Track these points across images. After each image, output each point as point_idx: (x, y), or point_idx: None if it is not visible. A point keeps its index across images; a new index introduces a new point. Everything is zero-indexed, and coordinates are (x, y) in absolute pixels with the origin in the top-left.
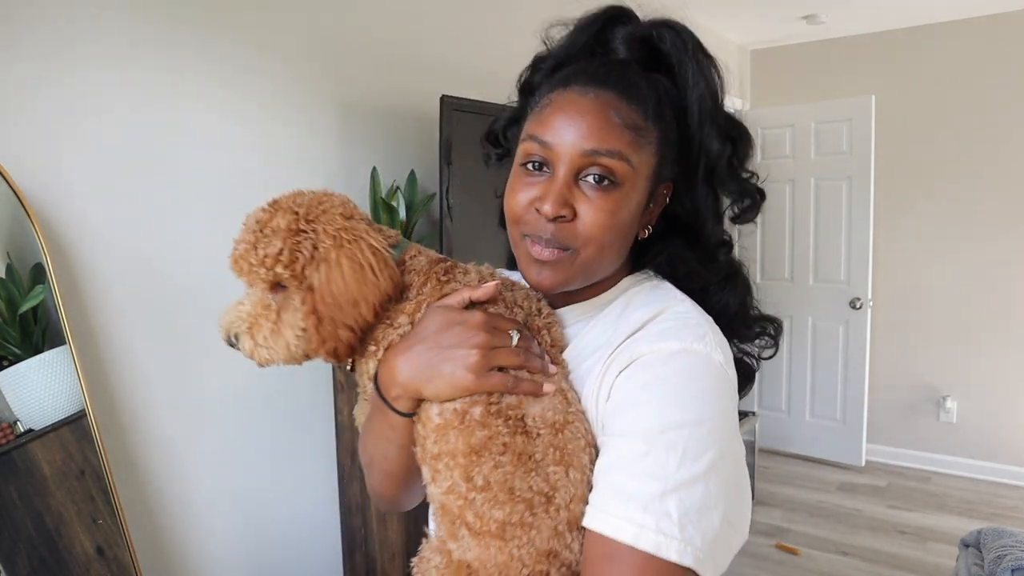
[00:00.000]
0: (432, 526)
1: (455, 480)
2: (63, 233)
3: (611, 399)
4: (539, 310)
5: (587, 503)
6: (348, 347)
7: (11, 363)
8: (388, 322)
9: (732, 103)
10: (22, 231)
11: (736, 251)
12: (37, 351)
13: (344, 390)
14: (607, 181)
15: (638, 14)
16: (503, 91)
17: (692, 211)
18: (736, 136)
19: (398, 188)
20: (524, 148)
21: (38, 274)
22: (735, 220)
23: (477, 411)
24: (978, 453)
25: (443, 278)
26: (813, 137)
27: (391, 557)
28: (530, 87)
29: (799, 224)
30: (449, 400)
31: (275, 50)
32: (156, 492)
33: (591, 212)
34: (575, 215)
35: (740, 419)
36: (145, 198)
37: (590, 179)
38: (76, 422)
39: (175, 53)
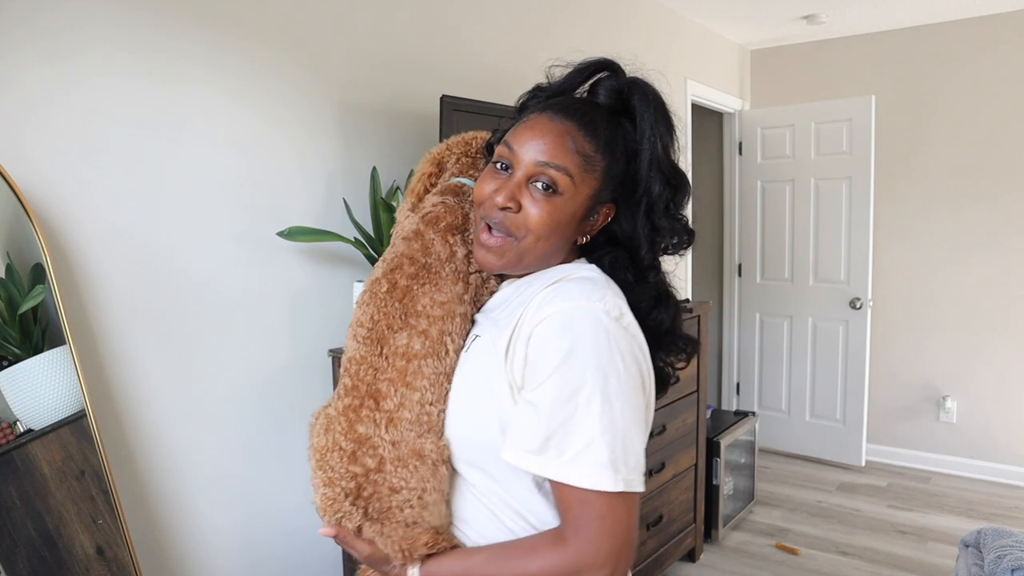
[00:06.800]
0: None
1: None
2: (63, 233)
3: (527, 357)
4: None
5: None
6: None
7: (11, 363)
8: None
9: (731, 103)
10: (22, 231)
11: (667, 279)
12: (37, 351)
13: None
14: (551, 189)
15: (627, 68)
16: (503, 91)
17: (630, 234)
18: (676, 184)
19: (398, 188)
20: (498, 151)
21: (38, 274)
22: (667, 251)
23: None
24: (978, 453)
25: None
26: (813, 137)
27: None
28: (524, 108)
29: (799, 224)
30: None
31: (275, 51)
32: (156, 492)
33: (533, 208)
34: (520, 208)
35: (740, 419)
36: (146, 198)
37: (538, 184)
38: (76, 422)
39: (175, 54)
